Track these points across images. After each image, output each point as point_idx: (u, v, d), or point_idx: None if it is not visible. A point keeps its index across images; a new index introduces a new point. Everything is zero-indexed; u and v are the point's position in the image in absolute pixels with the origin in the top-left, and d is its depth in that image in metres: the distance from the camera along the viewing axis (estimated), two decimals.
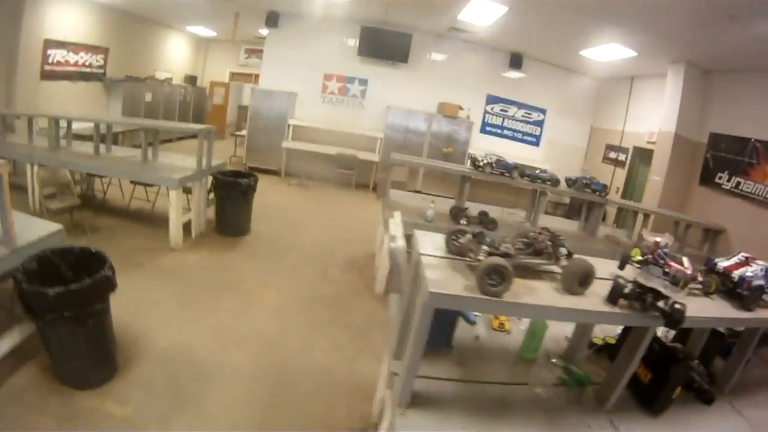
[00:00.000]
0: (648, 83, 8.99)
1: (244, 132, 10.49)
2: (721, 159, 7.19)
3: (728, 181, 7.01)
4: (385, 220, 4.88)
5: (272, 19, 10.30)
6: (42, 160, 6.08)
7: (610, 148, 10.08)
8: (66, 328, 2.78)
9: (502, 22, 7.64)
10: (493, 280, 1.77)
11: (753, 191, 6.53)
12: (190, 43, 15.22)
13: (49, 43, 9.15)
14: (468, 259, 2.03)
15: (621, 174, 9.49)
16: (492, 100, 10.67)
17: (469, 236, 2.14)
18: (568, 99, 10.70)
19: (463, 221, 4.83)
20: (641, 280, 2.00)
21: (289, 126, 10.00)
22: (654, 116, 8.39)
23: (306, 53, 10.45)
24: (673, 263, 2.06)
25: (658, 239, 2.17)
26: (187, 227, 5.55)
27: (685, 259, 2.14)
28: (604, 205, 6.01)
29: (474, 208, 5.42)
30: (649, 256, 2.12)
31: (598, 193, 5.68)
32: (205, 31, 14.23)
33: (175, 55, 14.39)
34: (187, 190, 5.64)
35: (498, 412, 2.07)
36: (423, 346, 1.84)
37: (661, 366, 2.25)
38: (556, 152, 10.74)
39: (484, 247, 2.02)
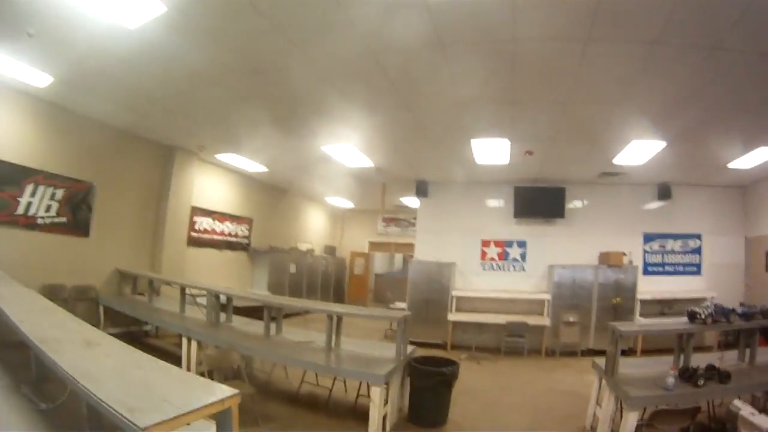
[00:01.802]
0: None
1: (399, 304, 9.68)
2: None
3: None
4: (619, 398, 4.20)
5: (422, 189, 10.18)
6: (202, 337, 5.59)
7: None
8: None
9: (654, 157, 7.33)
10: None
11: None
12: (328, 213, 15.82)
13: (196, 211, 9.56)
14: None
15: None
16: (648, 238, 9.67)
17: None
18: (718, 216, 9.66)
19: (701, 381, 4.18)
20: None
21: (452, 297, 9.28)
22: None
23: (460, 220, 10.16)
24: None
25: None
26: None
27: None
28: None
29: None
30: None
31: None
32: (343, 202, 14.58)
33: (314, 226, 14.82)
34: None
35: None
36: None
37: None
38: (718, 275, 9.54)
39: None
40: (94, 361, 2.44)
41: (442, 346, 8.85)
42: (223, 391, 2.17)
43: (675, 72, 4.46)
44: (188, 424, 1.89)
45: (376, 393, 4.28)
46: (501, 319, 8.58)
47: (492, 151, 7.40)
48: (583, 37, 3.87)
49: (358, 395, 5.21)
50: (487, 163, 8.06)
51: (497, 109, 5.74)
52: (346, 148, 7.66)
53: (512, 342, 8.40)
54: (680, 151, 7.09)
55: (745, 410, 3.04)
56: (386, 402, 4.51)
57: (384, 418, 4.51)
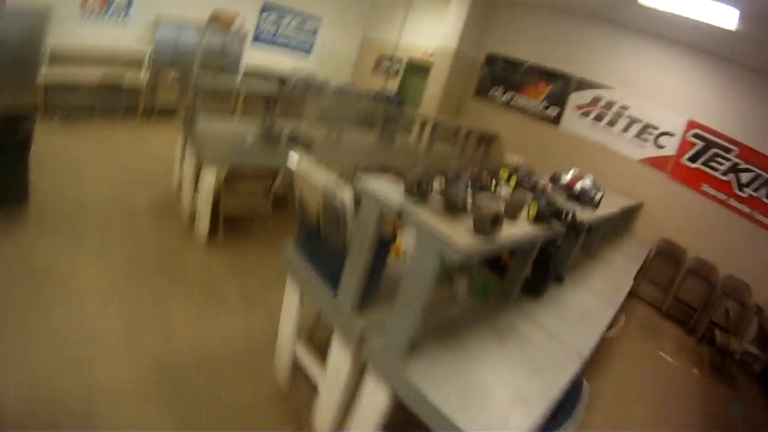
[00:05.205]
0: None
1: None
2: (497, 76, 8.44)
3: (503, 95, 8.34)
4: (200, 157, 4.28)
5: None
6: None
7: (383, 58, 10.42)
8: None
9: None
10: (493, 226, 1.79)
11: (524, 105, 8.04)
12: None
13: None
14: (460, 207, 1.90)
15: (392, 84, 9.94)
16: (267, 7, 9.80)
17: (462, 188, 1.93)
18: (344, 6, 10.61)
19: (283, 142, 4.55)
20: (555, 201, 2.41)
21: (46, 51, 7.42)
22: (431, 32, 8.99)
23: None
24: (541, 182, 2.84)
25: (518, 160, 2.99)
26: None
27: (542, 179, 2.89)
28: (401, 117, 6.41)
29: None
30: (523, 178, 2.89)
31: (398, 105, 6.14)
32: None
33: None
34: None
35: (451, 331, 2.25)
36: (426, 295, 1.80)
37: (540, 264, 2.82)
38: (327, 61, 10.62)
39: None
40: None
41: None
42: None
43: None
44: None
45: None
46: (97, 73, 7.61)
47: None
48: None
49: None
50: None
51: None
52: None
53: (109, 101, 7.78)
54: None
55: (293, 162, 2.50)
56: None
57: None
